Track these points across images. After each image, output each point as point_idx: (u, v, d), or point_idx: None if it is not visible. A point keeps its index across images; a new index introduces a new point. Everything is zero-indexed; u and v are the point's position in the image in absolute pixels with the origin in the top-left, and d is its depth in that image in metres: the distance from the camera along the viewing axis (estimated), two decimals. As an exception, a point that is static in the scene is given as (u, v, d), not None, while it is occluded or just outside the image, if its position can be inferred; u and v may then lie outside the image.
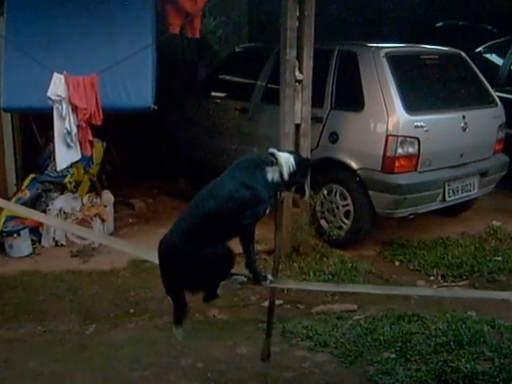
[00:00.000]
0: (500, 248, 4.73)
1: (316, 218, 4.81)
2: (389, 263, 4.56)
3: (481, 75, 5.19)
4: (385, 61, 4.56)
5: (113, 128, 5.12)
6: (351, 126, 4.68)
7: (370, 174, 4.53)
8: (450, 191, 4.76)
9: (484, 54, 6.93)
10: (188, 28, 4.84)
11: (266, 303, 3.79)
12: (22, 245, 4.54)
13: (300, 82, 4.31)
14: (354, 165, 4.59)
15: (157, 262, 2.49)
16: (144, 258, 3.06)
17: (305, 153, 4.44)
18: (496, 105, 5.18)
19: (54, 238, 4.72)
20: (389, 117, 4.42)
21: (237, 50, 6.19)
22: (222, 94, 5.87)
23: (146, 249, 2.50)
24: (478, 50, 6.96)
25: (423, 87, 4.88)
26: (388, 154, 4.42)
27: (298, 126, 4.40)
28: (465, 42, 6.61)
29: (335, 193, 4.76)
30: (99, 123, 4.39)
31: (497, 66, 6.61)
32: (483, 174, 5.02)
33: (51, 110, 4.30)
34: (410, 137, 4.44)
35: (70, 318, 3.65)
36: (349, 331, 3.40)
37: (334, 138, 4.72)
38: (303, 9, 4.23)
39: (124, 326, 3.56)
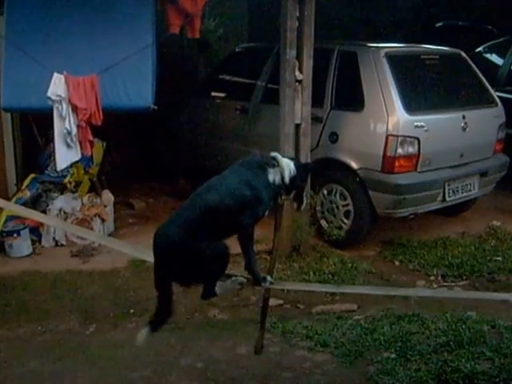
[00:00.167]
0: (500, 248, 4.73)
1: (316, 218, 4.81)
2: (389, 263, 4.56)
3: (481, 75, 5.19)
4: (385, 61, 4.56)
5: (113, 128, 5.11)
6: (351, 126, 4.68)
7: (370, 173, 4.53)
8: (450, 191, 4.76)
9: (484, 54, 6.93)
10: (188, 28, 4.84)
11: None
12: (22, 245, 4.55)
13: (300, 81, 4.31)
14: (354, 165, 4.59)
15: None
16: (143, 259, 3.06)
17: (305, 152, 4.45)
18: (496, 105, 5.18)
19: (54, 238, 4.72)
20: (389, 117, 4.42)
21: (237, 50, 6.19)
22: (222, 94, 5.87)
23: (145, 249, 2.48)
24: (478, 49, 6.96)
25: (423, 87, 4.87)
26: (388, 153, 4.42)
27: (297, 126, 4.40)
28: (465, 42, 6.61)
29: (335, 193, 4.76)
30: (99, 123, 4.39)
31: (497, 65, 6.60)
32: (483, 174, 5.02)
33: (51, 110, 4.31)
34: (410, 137, 4.44)
35: (70, 318, 3.65)
36: (349, 331, 3.40)
37: (334, 137, 4.72)
38: (303, 9, 4.23)
39: (124, 326, 3.56)
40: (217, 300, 3.75)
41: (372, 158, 4.50)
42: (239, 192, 2.39)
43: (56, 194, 4.95)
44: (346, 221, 4.73)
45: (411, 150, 4.46)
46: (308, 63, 4.32)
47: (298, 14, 4.21)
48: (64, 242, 4.71)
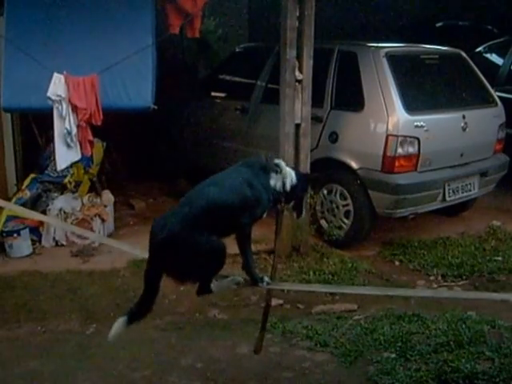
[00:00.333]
0: (500, 248, 4.73)
1: (316, 218, 4.81)
2: (389, 263, 4.56)
3: (481, 75, 5.19)
4: (385, 61, 4.56)
5: (113, 128, 5.11)
6: (351, 126, 4.68)
7: (370, 173, 4.53)
8: (450, 191, 4.76)
9: (484, 54, 6.93)
10: (188, 28, 4.84)
11: (266, 303, 3.81)
12: (22, 245, 4.54)
13: (300, 81, 4.31)
14: (354, 165, 4.59)
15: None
16: (143, 257, 3.05)
17: (305, 152, 4.45)
18: (496, 104, 5.18)
19: (54, 238, 4.72)
20: (389, 117, 4.42)
21: (237, 50, 6.19)
22: (222, 94, 5.87)
23: (145, 248, 2.47)
24: (478, 49, 6.96)
25: (423, 87, 4.87)
26: (388, 153, 4.42)
27: (298, 126, 4.40)
28: (465, 42, 6.61)
29: (335, 193, 4.76)
30: (99, 123, 4.38)
31: (497, 65, 6.61)
32: (483, 174, 5.03)
33: (51, 110, 4.30)
34: (410, 137, 4.44)
35: (70, 318, 3.65)
36: (349, 331, 3.40)
37: (333, 137, 4.72)
38: (303, 9, 4.23)
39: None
40: (217, 300, 3.76)
41: (372, 158, 4.50)
42: (240, 190, 2.40)
43: (56, 194, 4.95)
44: (345, 221, 4.73)
45: (411, 149, 4.46)
46: (308, 63, 4.32)
47: (297, 14, 4.21)
48: (64, 242, 4.71)
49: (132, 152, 6.29)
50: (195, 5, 4.59)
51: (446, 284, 4.19)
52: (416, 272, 4.38)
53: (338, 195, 4.75)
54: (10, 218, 4.62)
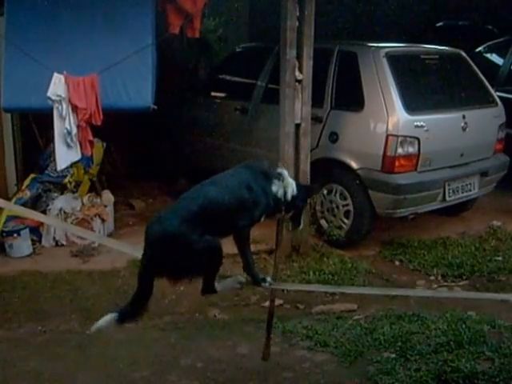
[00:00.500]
0: (500, 248, 4.73)
1: (316, 218, 4.81)
2: (389, 263, 4.56)
3: (481, 75, 5.19)
4: (385, 61, 4.56)
5: (113, 128, 5.11)
6: (351, 126, 4.68)
7: (370, 173, 4.53)
8: (450, 191, 4.76)
9: (484, 54, 6.93)
10: (188, 28, 4.84)
11: (267, 303, 3.79)
12: (22, 245, 4.54)
13: (300, 81, 4.31)
14: (354, 165, 4.59)
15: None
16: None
17: (305, 152, 4.45)
18: (496, 104, 5.18)
19: (54, 238, 4.72)
20: (389, 117, 4.42)
21: (237, 50, 6.19)
22: (222, 94, 5.87)
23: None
24: (478, 49, 6.96)
25: (423, 87, 4.88)
26: (388, 153, 4.42)
27: (298, 126, 4.40)
28: (465, 41, 6.62)
29: (335, 192, 4.76)
30: (99, 123, 4.38)
31: (497, 65, 6.61)
32: (483, 174, 5.02)
33: (51, 110, 4.30)
34: (410, 136, 4.44)
35: (70, 318, 3.65)
36: (349, 331, 3.40)
37: (333, 137, 4.72)
38: (303, 9, 4.23)
39: (124, 325, 3.55)
40: (217, 300, 3.76)
41: (372, 158, 4.50)
42: (238, 192, 2.41)
43: (56, 194, 4.95)
44: (345, 221, 4.73)
45: (411, 149, 4.46)
46: (308, 63, 4.32)
47: (298, 14, 4.21)
48: (64, 242, 4.72)
49: (132, 152, 6.29)
50: (195, 5, 4.59)
51: (446, 284, 4.19)
52: (416, 272, 4.38)
53: (337, 195, 4.75)
54: (10, 218, 4.62)
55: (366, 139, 4.56)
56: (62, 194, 4.98)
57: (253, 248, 2.63)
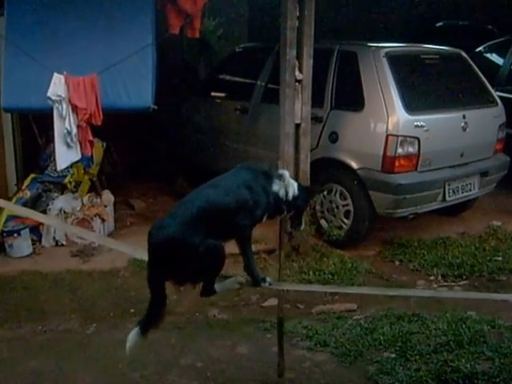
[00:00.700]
0: (500, 248, 4.72)
1: (316, 218, 4.81)
2: (389, 263, 4.55)
3: (481, 75, 5.19)
4: (385, 60, 4.56)
5: (113, 128, 5.11)
6: (351, 126, 4.68)
7: (370, 173, 4.53)
8: (450, 191, 4.76)
9: (484, 54, 6.93)
10: (188, 28, 4.84)
11: (267, 303, 3.82)
12: (22, 245, 4.55)
13: (300, 81, 4.31)
14: (354, 164, 4.59)
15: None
16: (142, 259, 3.06)
17: (305, 152, 4.45)
18: (496, 104, 5.18)
19: (54, 238, 4.72)
20: (389, 116, 4.42)
21: (237, 50, 6.19)
22: (222, 94, 5.87)
23: (144, 249, 2.47)
24: (478, 49, 6.96)
25: (423, 87, 4.87)
26: (388, 153, 4.41)
27: (297, 126, 4.40)
28: (465, 41, 6.61)
29: (335, 192, 4.76)
30: (99, 123, 4.39)
31: (497, 65, 6.61)
32: (483, 174, 5.02)
33: (51, 110, 4.31)
34: (410, 136, 4.44)
35: (70, 318, 3.65)
36: (349, 331, 3.40)
37: (333, 137, 4.72)
38: (303, 8, 4.23)
39: (124, 325, 3.55)
40: (217, 300, 3.76)
41: (372, 158, 4.50)
42: (238, 193, 2.41)
43: (56, 194, 4.95)
44: (345, 221, 4.73)
45: (411, 149, 4.46)
46: (308, 63, 4.32)
47: (297, 14, 4.21)
48: (64, 242, 4.72)
49: (132, 152, 6.29)
50: (195, 5, 4.59)
51: (446, 284, 4.18)
52: (416, 272, 4.37)
53: (337, 195, 4.75)
54: (10, 218, 4.63)
55: (366, 139, 4.56)
56: (62, 193, 4.99)
57: (253, 248, 2.63)
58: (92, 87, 4.31)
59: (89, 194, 5.07)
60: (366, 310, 3.69)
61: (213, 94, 5.92)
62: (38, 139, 5.38)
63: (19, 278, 4.14)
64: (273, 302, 3.81)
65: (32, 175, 5.01)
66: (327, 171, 4.75)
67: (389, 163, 4.43)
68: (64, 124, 4.33)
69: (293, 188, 2.53)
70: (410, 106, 4.48)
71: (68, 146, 4.39)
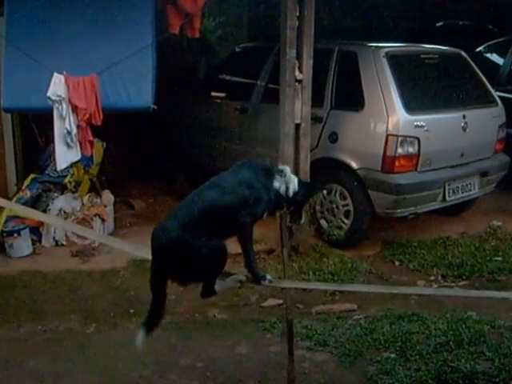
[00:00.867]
0: (500, 248, 4.73)
1: (316, 218, 4.81)
2: (389, 263, 4.55)
3: (481, 75, 5.19)
4: (385, 60, 4.56)
5: (113, 128, 5.11)
6: (351, 126, 4.68)
7: (370, 173, 4.53)
8: (451, 191, 4.76)
9: (484, 54, 6.93)
10: (188, 28, 4.84)
11: (266, 303, 3.82)
12: (22, 245, 4.55)
13: (300, 81, 4.31)
14: (354, 164, 4.59)
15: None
16: (144, 257, 3.07)
17: (305, 152, 4.45)
18: (496, 104, 5.18)
19: (54, 238, 4.72)
20: (389, 116, 4.42)
21: (237, 50, 6.19)
22: (222, 94, 5.87)
23: (146, 248, 2.48)
24: (478, 49, 6.96)
25: (423, 87, 4.87)
26: (388, 153, 4.41)
27: (297, 126, 4.40)
28: (465, 41, 6.61)
29: (335, 192, 4.76)
30: (99, 123, 4.38)
31: (497, 65, 6.60)
32: (483, 174, 5.02)
33: (51, 110, 4.30)
34: (410, 136, 4.44)
35: (70, 318, 3.66)
36: (349, 331, 3.40)
37: (333, 137, 4.72)
38: (303, 8, 4.23)
39: (124, 325, 3.57)
40: (217, 300, 3.75)
41: (372, 158, 4.50)
42: (239, 191, 2.41)
43: (56, 194, 4.95)
44: (345, 220, 4.73)
45: (411, 149, 4.46)
46: (308, 63, 4.32)
47: (297, 14, 4.21)
48: (64, 242, 4.72)
49: (132, 152, 6.29)
50: (195, 5, 4.59)
51: (446, 284, 4.19)
52: (416, 272, 4.37)
53: (337, 195, 4.75)
54: (10, 218, 4.62)
55: (366, 139, 4.56)
56: (62, 194, 4.98)
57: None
58: (92, 87, 4.31)
59: (89, 194, 5.07)
60: (365, 310, 3.69)
61: (213, 93, 5.91)
62: (37, 139, 5.38)
63: (19, 278, 4.14)
64: (272, 302, 3.81)
65: (32, 175, 5.01)
66: (327, 171, 4.75)
67: (389, 163, 4.43)
68: (64, 124, 4.33)
69: (293, 183, 2.53)
70: (410, 106, 4.48)
71: (68, 146, 4.39)
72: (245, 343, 3.32)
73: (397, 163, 4.43)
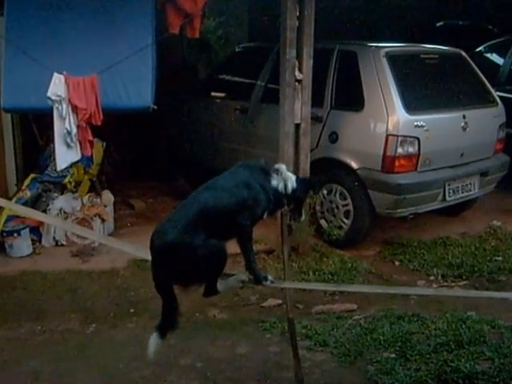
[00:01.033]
0: (500, 248, 4.72)
1: (316, 218, 4.81)
2: (389, 263, 4.55)
3: (481, 74, 5.19)
4: (385, 60, 4.56)
5: (113, 128, 5.11)
6: (351, 126, 4.68)
7: (370, 173, 4.53)
8: (451, 191, 4.76)
9: (484, 54, 6.93)
10: (188, 28, 4.84)
11: (266, 303, 3.82)
12: (22, 245, 4.55)
13: (300, 81, 4.31)
14: (354, 164, 4.59)
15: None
16: (144, 258, 3.07)
17: (305, 152, 4.45)
18: (496, 104, 5.18)
19: (54, 238, 4.72)
20: (389, 116, 4.42)
21: (237, 50, 6.19)
22: (222, 94, 5.87)
23: (146, 248, 2.48)
24: (478, 49, 6.96)
25: (423, 87, 4.87)
26: (388, 153, 4.41)
27: (297, 126, 4.40)
28: (465, 41, 6.61)
29: (335, 192, 4.76)
30: (99, 123, 4.38)
31: (497, 65, 6.60)
32: (483, 174, 5.02)
33: (51, 110, 4.30)
34: (410, 136, 4.44)
35: (70, 318, 3.66)
36: (348, 331, 3.40)
37: (333, 137, 4.72)
38: (303, 8, 4.23)
39: (124, 325, 3.57)
40: (217, 300, 3.75)
41: (372, 158, 4.50)
42: (237, 192, 2.41)
43: (56, 194, 4.95)
44: (345, 220, 4.73)
45: (411, 149, 4.46)
46: (308, 63, 4.32)
47: (297, 14, 4.21)
48: (64, 242, 4.72)
49: (132, 152, 6.29)
50: (195, 5, 4.58)
51: (446, 284, 4.18)
52: (416, 272, 4.37)
53: (337, 195, 4.75)
54: (10, 218, 4.62)
55: (366, 139, 4.56)
56: (62, 193, 4.98)
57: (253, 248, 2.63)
58: (92, 87, 4.31)
59: (89, 194, 5.07)
60: (365, 310, 3.69)
61: (213, 93, 5.92)
62: (37, 139, 5.38)
63: (19, 278, 4.14)
64: (272, 302, 3.81)
65: (32, 175, 5.01)
66: (327, 171, 4.75)
67: (389, 163, 4.43)
68: (64, 124, 4.33)
69: (291, 181, 2.53)
70: (410, 106, 4.48)
71: (68, 146, 4.39)
72: (245, 343, 3.32)
73: (397, 163, 4.43)
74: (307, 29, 4.27)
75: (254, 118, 5.27)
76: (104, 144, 5.33)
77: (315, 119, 4.65)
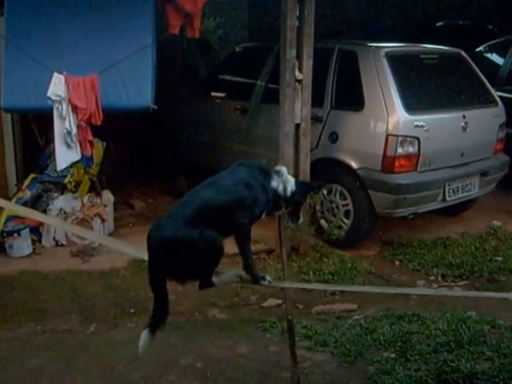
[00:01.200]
0: (500, 248, 4.72)
1: (316, 218, 4.81)
2: (389, 263, 4.55)
3: (481, 74, 5.19)
4: (385, 60, 4.56)
5: (113, 128, 5.11)
6: (351, 126, 4.68)
7: (370, 173, 4.53)
8: (451, 191, 4.76)
9: (484, 54, 6.93)
10: (188, 28, 4.85)
11: (266, 303, 3.82)
12: (22, 245, 4.54)
13: (300, 81, 4.31)
14: (354, 164, 4.59)
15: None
16: (144, 258, 3.07)
17: (305, 152, 4.45)
18: (496, 104, 5.18)
19: (54, 238, 4.72)
20: (389, 116, 4.42)
21: (237, 49, 6.19)
22: (222, 94, 5.87)
23: (145, 249, 2.47)
24: (478, 49, 6.96)
25: (423, 87, 4.87)
26: (388, 153, 4.41)
27: (297, 126, 4.40)
28: (465, 41, 6.61)
29: (335, 192, 4.76)
30: (99, 123, 4.39)
31: (497, 65, 6.60)
32: (484, 174, 5.02)
33: (51, 110, 4.31)
34: (410, 136, 4.44)
35: (70, 318, 3.66)
36: (348, 331, 3.40)
37: (333, 137, 4.72)
38: (303, 8, 4.23)
39: (124, 325, 3.57)
40: (217, 300, 3.76)
41: (372, 158, 4.50)
42: (236, 190, 2.41)
43: (56, 194, 4.95)
44: (345, 220, 4.72)
45: (411, 149, 4.46)
46: (308, 63, 4.32)
47: (297, 14, 4.21)
48: (64, 242, 4.72)
49: (132, 152, 6.29)
50: (195, 5, 4.59)
51: (446, 284, 4.18)
52: (416, 272, 4.37)
53: (337, 195, 4.75)
54: (10, 218, 4.62)
55: (366, 139, 4.56)
56: (62, 194, 4.98)
57: (252, 248, 2.63)
58: (92, 87, 4.31)
59: (89, 194, 5.07)
60: (365, 310, 3.69)
61: (213, 93, 5.92)
62: (37, 139, 5.38)
63: (19, 278, 4.14)
64: (272, 302, 3.81)
65: (32, 175, 5.01)
66: (327, 171, 4.74)
67: (389, 163, 4.43)
68: (64, 124, 4.33)
69: (291, 184, 2.53)
70: (410, 106, 4.48)
71: (68, 146, 4.39)
72: (245, 343, 3.32)
73: (397, 163, 4.43)
74: (307, 29, 4.27)
75: (254, 118, 5.26)
76: (104, 144, 5.33)
77: (315, 119, 4.65)
